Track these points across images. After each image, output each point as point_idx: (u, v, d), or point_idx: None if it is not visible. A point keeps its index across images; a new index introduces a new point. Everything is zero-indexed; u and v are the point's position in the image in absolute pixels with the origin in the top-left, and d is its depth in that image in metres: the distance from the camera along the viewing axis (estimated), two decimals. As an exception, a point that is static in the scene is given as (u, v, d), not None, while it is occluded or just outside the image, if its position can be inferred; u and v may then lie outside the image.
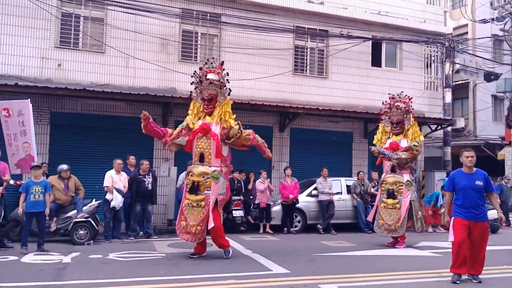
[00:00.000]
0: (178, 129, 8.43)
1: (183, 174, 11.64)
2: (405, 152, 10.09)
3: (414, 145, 10.09)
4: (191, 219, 8.01)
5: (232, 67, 13.61)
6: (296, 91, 14.69)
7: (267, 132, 14.49)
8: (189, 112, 8.60)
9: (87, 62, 12.61)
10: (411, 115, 10.59)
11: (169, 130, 8.61)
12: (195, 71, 8.50)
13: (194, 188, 8.06)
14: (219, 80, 8.35)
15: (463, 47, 18.71)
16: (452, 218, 6.78)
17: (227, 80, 8.41)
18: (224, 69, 8.45)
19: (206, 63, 8.46)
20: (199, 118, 8.46)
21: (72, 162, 10.99)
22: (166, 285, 6.26)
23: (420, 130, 11.32)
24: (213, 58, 8.98)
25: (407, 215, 10.15)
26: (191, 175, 8.17)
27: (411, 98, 10.82)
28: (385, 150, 10.24)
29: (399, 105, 10.54)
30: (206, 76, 8.32)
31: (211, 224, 7.95)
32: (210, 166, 8.17)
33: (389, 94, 10.93)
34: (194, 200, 8.06)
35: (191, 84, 8.47)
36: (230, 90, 8.43)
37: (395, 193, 10.19)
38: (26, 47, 12.08)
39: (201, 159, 8.23)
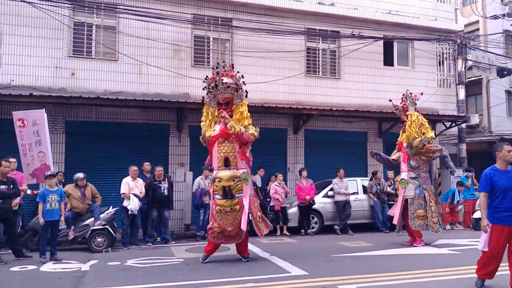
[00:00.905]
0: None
1: (198, 179, 11.68)
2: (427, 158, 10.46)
3: (412, 153, 10.35)
4: (228, 225, 8.00)
5: (244, 70, 13.52)
6: (309, 93, 14.67)
7: (282, 134, 14.52)
8: (203, 118, 8.53)
9: (100, 70, 12.73)
10: (405, 113, 10.68)
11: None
12: (206, 76, 8.47)
13: (227, 193, 7.99)
14: (235, 83, 8.29)
15: (475, 43, 18.53)
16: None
17: (243, 82, 8.36)
18: (238, 72, 8.40)
19: (217, 67, 8.36)
20: (215, 123, 8.37)
21: (88, 170, 11.09)
22: (186, 290, 6.27)
23: (434, 128, 11.35)
24: (223, 61, 8.91)
25: (397, 212, 10.34)
26: (219, 181, 8.06)
27: (420, 94, 10.89)
28: (382, 154, 11.15)
29: (397, 105, 10.85)
30: (222, 80, 8.22)
31: (244, 226, 8.00)
32: (237, 169, 8.15)
33: (403, 94, 10.93)
34: (227, 205, 8.00)
35: (203, 89, 8.44)
36: (247, 92, 8.40)
37: (396, 191, 10.79)
38: (40, 57, 12.21)
39: (226, 163, 8.14)
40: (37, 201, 8.64)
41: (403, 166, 10.52)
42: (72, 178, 10.25)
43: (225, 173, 8.05)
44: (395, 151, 11.12)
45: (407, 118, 10.53)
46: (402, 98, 10.82)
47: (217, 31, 14.08)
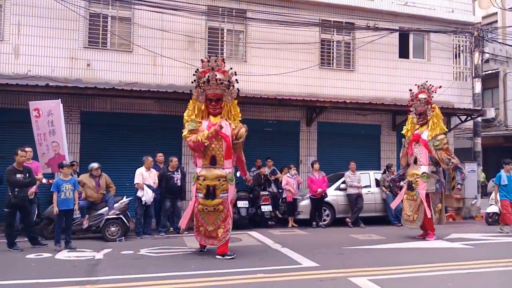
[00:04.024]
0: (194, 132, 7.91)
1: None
2: (447, 157, 10.06)
3: (435, 145, 10.08)
4: (209, 224, 7.85)
5: (258, 62, 13.72)
6: (323, 85, 14.60)
7: (295, 127, 14.50)
8: (189, 112, 8.10)
9: (115, 62, 12.82)
10: (430, 105, 10.42)
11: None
12: (197, 69, 8.13)
13: (210, 193, 7.77)
14: (227, 80, 7.97)
15: (493, 36, 18.24)
16: None
17: (236, 80, 8.07)
18: (231, 68, 8.12)
19: (209, 61, 8.01)
20: (202, 119, 8.08)
21: (103, 160, 11.17)
22: (197, 279, 6.32)
23: (449, 121, 11.21)
24: (215, 55, 8.72)
25: (426, 206, 10.08)
26: (203, 179, 7.82)
27: (439, 87, 10.69)
28: (400, 172, 11.33)
29: (419, 96, 10.51)
30: (216, 75, 7.88)
31: (229, 226, 7.89)
32: (223, 169, 7.92)
33: (415, 85, 10.79)
34: (210, 205, 7.81)
35: (192, 82, 8.13)
36: (239, 91, 8.19)
37: (413, 184, 10.34)
38: (56, 48, 12.35)
39: (212, 161, 7.90)
40: (52, 191, 8.78)
41: (423, 159, 10.27)
42: (87, 168, 10.38)
43: (211, 172, 7.83)
44: (403, 149, 10.91)
45: (432, 111, 10.34)
46: (422, 89, 10.55)
47: (231, 23, 14.06)
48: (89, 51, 12.69)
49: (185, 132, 7.97)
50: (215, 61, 8.01)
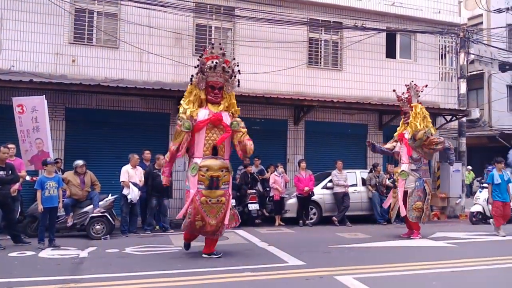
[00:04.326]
0: (184, 135, 7.51)
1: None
2: (437, 143, 10.37)
3: (416, 145, 10.29)
4: (211, 218, 7.42)
5: (246, 60, 13.65)
6: (311, 84, 14.61)
7: (282, 125, 14.50)
8: (186, 100, 7.72)
9: (101, 58, 12.68)
10: (409, 105, 10.61)
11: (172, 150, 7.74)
12: (202, 54, 7.68)
13: (213, 184, 7.43)
14: (231, 70, 7.76)
15: (478, 37, 18.44)
16: None
17: (239, 71, 7.88)
18: (234, 58, 8.00)
19: (213, 47, 7.73)
20: (200, 107, 7.69)
21: (88, 157, 11.10)
22: (183, 278, 6.27)
23: (435, 121, 11.32)
24: (220, 44, 8.37)
25: (401, 204, 10.22)
26: (207, 170, 7.43)
27: (425, 86, 10.80)
28: (377, 145, 11.09)
29: (401, 96, 10.75)
30: (222, 62, 7.63)
31: (226, 220, 7.65)
32: (224, 159, 7.69)
33: (405, 85, 10.88)
34: (214, 197, 7.44)
35: (195, 67, 7.74)
36: (239, 81, 7.94)
37: (395, 182, 10.70)
38: (40, 43, 12.16)
39: (214, 152, 7.58)
40: (35, 188, 8.65)
41: (404, 157, 10.46)
42: (72, 165, 10.26)
43: (215, 162, 7.50)
44: (391, 140, 11.10)
45: (412, 110, 10.50)
46: (406, 89, 10.72)
47: (219, 20, 14.00)
48: (74, 47, 12.53)
49: (179, 128, 7.51)
50: (221, 49, 7.72)
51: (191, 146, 7.69)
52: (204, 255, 7.71)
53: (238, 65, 7.85)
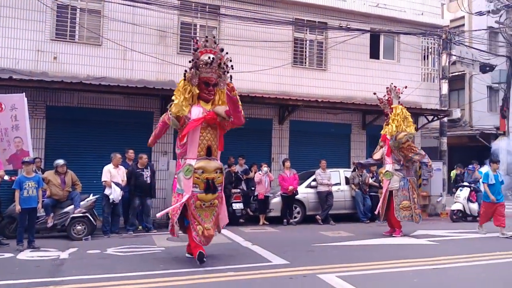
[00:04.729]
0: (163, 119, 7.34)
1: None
2: (413, 154, 10.38)
3: (395, 146, 10.37)
4: (206, 222, 7.04)
5: (231, 59, 13.59)
6: (295, 84, 14.63)
7: (267, 125, 14.49)
8: (178, 97, 7.14)
9: (83, 55, 12.50)
10: (389, 106, 10.75)
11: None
12: (197, 48, 7.19)
13: (210, 187, 7.00)
14: (225, 65, 7.27)
15: (460, 39, 18.70)
16: None
17: (232, 66, 7.32)
18: (227, 53, 7.40)
19: (206, 41, 7.19)
20: (192, 105, 7.21)
21: (69, 156, 10.93)
22: (166, 278, 6.22)
23: (417, 121, 11.46)
24: (213, 36, 7.89)
25: (381, 203, 10.44)
26: (202, 172, 6.98)
27: (404, 87, 10.98)
28: (369, 160, 11.25)
29: (381, 98, 10.89)
30: (219, 57, 7.17)
31: (225, 221, 7.58)
32: (217, 160, 7.29)
33: (387, 88, 10.98)
34: (207, 200, 7.06)
35: (190, 61, 7.20)
36: (231, 77, 7.32)
37: (380, 183, 10.85)
38: (21, 40, 11.94)
39: (208, 152, 7.15)
40: (13, 188, 8.46)
41: (388, 158, 10.60)
42: (52, 165, 10.08)
43: (210, 164, 7.07)
44: (378, 147, 11.12)
45: (392, 111, 10.62)
46: (386, 91, 10.90)
47: (204, 19, 13.92)
48: (56, 44, 12.33)
49: (166, 119, 7.26)
50: (215, 42, 7.27)
51: (183, 146, 7.20)
52: (187, 255, 7.59)
53: (231, 60, 7.32)
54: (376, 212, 11.02)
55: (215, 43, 7.27)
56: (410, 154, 10.35)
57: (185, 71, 7.19)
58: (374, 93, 11.02)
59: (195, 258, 6.98)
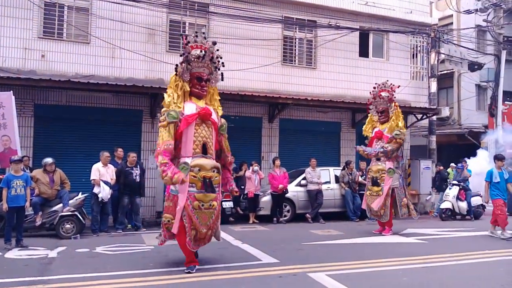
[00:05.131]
0: (173, 127, 6.64)
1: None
2: (390, 144, 10.35)
3: (396, 134, 10.36)
4: (202, 225, 6.52)
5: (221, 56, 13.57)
6: (285, 82, 14.64)
7: (256, 123, 14.49)
8: (171, 92, 6.82)
9: (71, 53, 12.40)
10: (394, 104, 10.73)
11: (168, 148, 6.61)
12: (188, 41, 6.89)
13: (207, 186, 6.54)
14: (217, 61, 7.05)
15: (448, 37, 18.83)
16: None
17: (223, 63, 7.14)
18: (218, 49, 7.16)
19: (196, 36, 6.95)
20: (184, 101, 6.88)
21: (57, 155, 10.86)
22: (156, 277, 6.21)
23: (406, 119, 11.54)
24: (203, 32, 7.71)
25: (390, 201, 10.33)
26: (199, 170, 6.54)
27: (397, 87, 10.93)
28: (368, 148, 10.70)
29: (382, 94, 10.75)
30: (212, 52, 6.92)
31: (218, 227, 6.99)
32: (213, 159, 6.85)
33: (376, 83, 10.99)
34: (206, 201, 6.55)
35: (181, 55, 6.96)
36: (223, 74, 7.18)
37: (378, 180, 10.48)
38: (8, 38, 11.81)
39: (204, 150, 6.76)
40: (1, 187, 8.38)
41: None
42: (41, 163, 10.00)
43: (207, 162, 6.64)
44: (373, 143, 10.97)
45: (394, 109, 10.59)
46: (383, 88, 10.76)
47: (193, 16, 13.87)
48: (43, 42, 12.21)
49: (163, 122, 6.63)
50: (205, 38, 7.00)
51: (178, 144, 6.78)
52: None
53: (221, 57, 7.13)
54: (366, 207, 10.82)
55: (205, 38, 7.00)
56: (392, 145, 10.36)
57: (176, 65, 6.96)
58: (374, 88, 10.88)
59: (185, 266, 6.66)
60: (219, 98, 7.44)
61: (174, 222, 6.55)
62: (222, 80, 7.19)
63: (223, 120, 7.26)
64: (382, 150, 10.37)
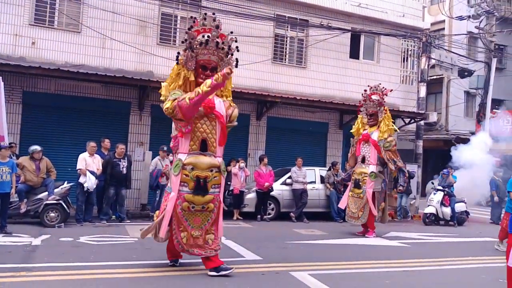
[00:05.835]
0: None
1: (155, 159, 11.59)
2: (394, 159, 10.43)
3: (385, 147, 10.39)
4: (195, 228, 6.09)
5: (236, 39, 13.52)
6: (275, 80, 14.67)
7: (244, 120, 14.44)
8: (171, 81, 6.33)
9: (62, 41, 12.32)
10: (383, 107, 10.74)
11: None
12: (191, 26, 6.27)
13: (200, 187, 6.05)
14: (227, 46, 6.36)
15: (440, 42, 19.00)
16: None
17: (237, 47, 6.43)
18: (232, 32, 6.54)
19: (204, 19, 6.25)
20: (186, 91, 6.24)
21: (44, 143, 10.82)
22: (138, 269, 6.23)
23: (394, 123, 11.64)
24: (213, 13, 6.66)
25: (372, 204, 10.36)
26: (192, 169, 6.05)
27: (389, 91, 11.01)
28: (346, 175, 11.23)
29: (373, 97, 10.75)
30: (217, 36, 6.21)
31: (221, 234, 6.51)
32: (215, 156, 6.26)
33: (368, 86, 11.05)
34: (199, 203, 6.07)
35: (183, 42, 6.35)
36: (237, 61, 6.50)
37: (360, 183, 10.51)
38: (-1, 23, 11.72)
39: (203, 147, 6.21)
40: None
41: (372, 159, 10.50)
42: (27, 150, 9.95)
43: (202, 160, 6.12)
44: (352, 149, 11.13)
45: (384, 112, 10.61)
46: (374, 91, 10.78)
47: (185, 10, 13.83)
48: (34, 29, 12.11)
49: (167, 104, 5.95)
50: (214, 20, 6.24)
51: (175, 138, 6.40)
52: (210, 273, 6.10)
53: (236, 41, 6.43)
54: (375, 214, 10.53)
55: (214, 20, 6.25)
56: (395, 158, 10.42)
57: (178, 53, 6.33)
58: (365, 90, 10.87)
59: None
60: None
61: (162, 225, 6.14)
62: (236, 67, 6.51)
63: (234, 119, 6.59)
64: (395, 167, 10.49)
